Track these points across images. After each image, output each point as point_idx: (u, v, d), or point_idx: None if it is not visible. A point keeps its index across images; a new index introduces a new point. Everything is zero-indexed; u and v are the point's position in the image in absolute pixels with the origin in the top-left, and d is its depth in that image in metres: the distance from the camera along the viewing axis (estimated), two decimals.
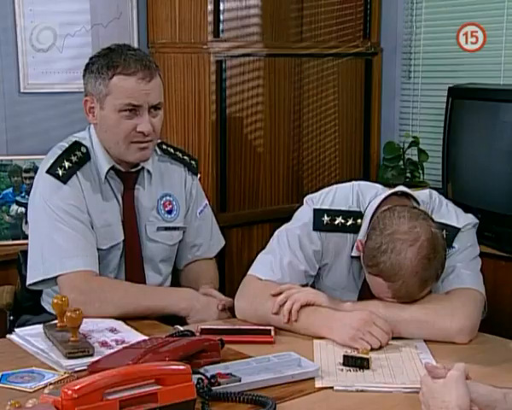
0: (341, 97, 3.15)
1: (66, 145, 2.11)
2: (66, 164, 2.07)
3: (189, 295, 2.03)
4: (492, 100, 2.65)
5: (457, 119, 2.75)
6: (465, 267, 1.87)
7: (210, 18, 2.75)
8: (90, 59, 2.09)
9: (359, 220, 1.92)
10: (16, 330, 1.83)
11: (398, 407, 1.45)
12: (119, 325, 1.86)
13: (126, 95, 2.01)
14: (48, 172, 2.06)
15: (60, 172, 2.05)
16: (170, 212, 2.19)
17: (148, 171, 2.15)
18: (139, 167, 2.14)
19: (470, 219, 1.95)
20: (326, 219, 1.94)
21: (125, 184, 2.13)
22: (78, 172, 2.07)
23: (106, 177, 2.10)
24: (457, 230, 1.89)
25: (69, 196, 2.04)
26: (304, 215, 1.97)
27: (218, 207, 2.82)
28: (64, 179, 2.05)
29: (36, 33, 2.79)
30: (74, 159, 2.08)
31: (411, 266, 1.71)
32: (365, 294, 1.89)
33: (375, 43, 3.20)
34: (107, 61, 2.03)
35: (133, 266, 2.13)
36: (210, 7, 2.74)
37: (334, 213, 1.94)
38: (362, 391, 1.50)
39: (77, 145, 2.11)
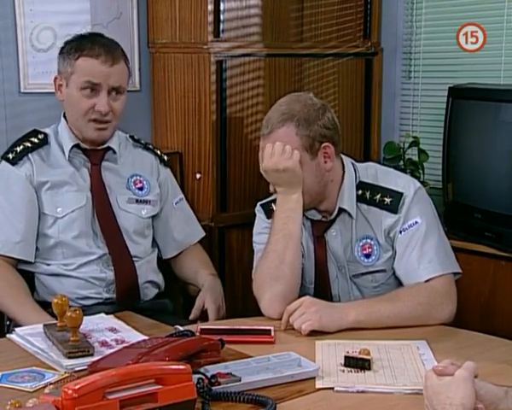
0: (341, 97, 3.15)
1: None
2: (19, 148, 2.25)
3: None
4: (493, 100, 2.65)
5: (458, 119, 2.75)
6: (435, 251, 1.98)
7: (210, 18, 2.74)
8: (64, 42, 2.28)
9: None
10: (16, 329, 1.83)
11: (398, 407, 1.45)
12: (120, 324, 1.86)
13: (86, 73, 2.20)
14: (1, 157, 2.27)
15: (10, 156, 2.24)
16: (141, 189, 2.35)
17: (114, 150, 2.30)
18: (105, 146, 2.29)
19: (415, 182, 2.08)
20: (274, 207, 2.09)
21: (91, 159, 2.28)
22: (30, 154, 2.23)
23: (70, 154, 2.25)
24: (400, 194, 2.01)
25: (15, 178, 2.21)
26: (257, 218, 2.19)
27: (219, 207, 2.82)
28: (14, 161, 2.23)
29: (36, 33, 2.79)
30: (27, 144, 2.26)
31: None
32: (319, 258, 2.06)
33: (375, 43, 3.20)
34: (76, 45, 2.24)
35: (111, 234, 2.25)
36: (210, 7, 2.73)
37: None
38: (362, 392, 1.50)
39: (34, 132, 2.30)
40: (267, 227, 2.12)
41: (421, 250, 1.97)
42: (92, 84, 2.19)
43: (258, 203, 2.21)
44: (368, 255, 2.03)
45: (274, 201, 2.13)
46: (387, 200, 2.02)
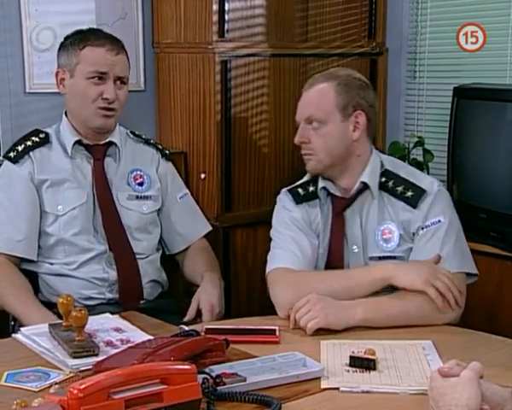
0: None
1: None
2: (20, 147, 2.26)
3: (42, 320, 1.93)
4: (498, 100, 2.64)
5: (463, 119, 2.75)
6: (453, 248, 1.98)
7: (215, 18, 2.74)
8: (64, 38, 2.30)
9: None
10: (22, 329, 1.83)
11: (403, 408, 1.45)
12: (125, 324, 1.86)
13: (94, 62, 2.22)
14: (3, 156, 2.29)
15: (12, 155, 2.25)
16: (141, 184, 2.35)
17: (116, 144, 2.31)
18: (106, 140, 2.30)
19: (439, 183, 2.08)
20: (301, 191, 2.12)
21: (93, 155, 2.28)
22: (31, 152, 2.24)
23: (72, 150, 2.26)
24: (423, 191, 2.01)
25: (17, 177, 2.22)
26: (281, 203, 2.13)
27: (223, 207, 2.82)
28: (15, 160, 2.24)
29: (41, 33, 2.79)
30: (29, 143, 2.27)
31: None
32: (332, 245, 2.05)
33: (380, 43, 3.19)
34: (79, 37, 2.26)
35: (113, 230, 2.26)
36: (215, 7, 2.73)
37: (304, 185, 2.13)
38: (367, 392, 1.50)
39: (35, 131, 2.32)
40: (293, 216, 2.08)
41: (440, 247, 1.98)
42: (99, 73, 2.21)
43: (284, 189, 2.17)
44: (387, 241, 2.03)
45: (300, 185, 2.14)
46: (409, 193, 2.02)
